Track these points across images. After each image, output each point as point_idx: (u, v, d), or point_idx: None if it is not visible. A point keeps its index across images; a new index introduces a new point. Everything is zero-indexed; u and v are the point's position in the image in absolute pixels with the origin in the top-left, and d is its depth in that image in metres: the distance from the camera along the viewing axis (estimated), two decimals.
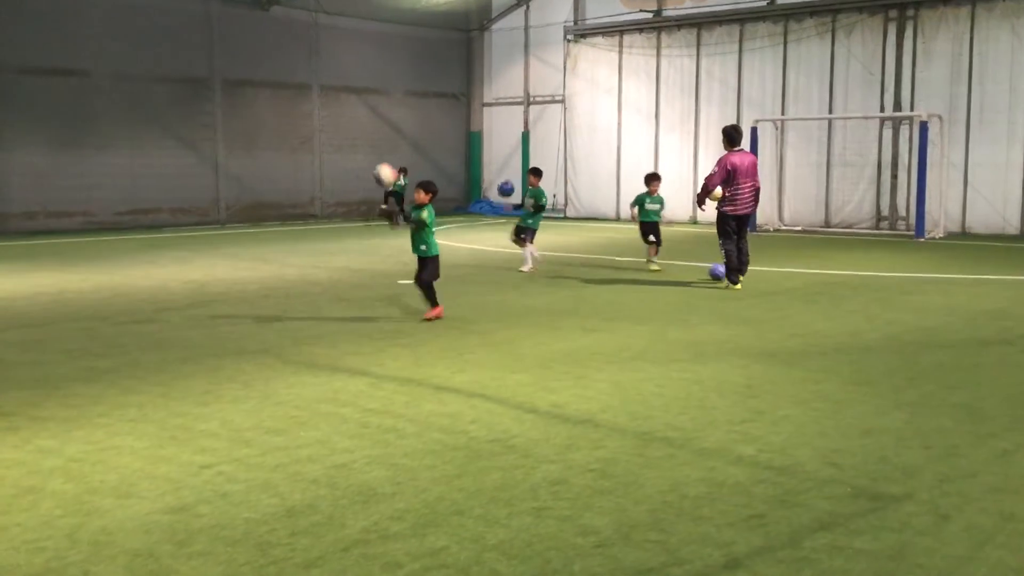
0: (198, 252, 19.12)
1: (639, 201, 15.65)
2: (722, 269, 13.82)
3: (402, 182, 24.91)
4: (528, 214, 15.55)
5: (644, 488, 5.23)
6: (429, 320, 10.67)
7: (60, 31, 24.04)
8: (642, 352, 9.02)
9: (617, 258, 17.74)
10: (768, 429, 6.38)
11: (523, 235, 15.64)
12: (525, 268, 15.47)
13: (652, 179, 15.68)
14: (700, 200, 13.79)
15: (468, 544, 4.48)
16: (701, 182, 14.04)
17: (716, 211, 13.67)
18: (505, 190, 15.72)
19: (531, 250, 15.62)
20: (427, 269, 10.82)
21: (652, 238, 15.64)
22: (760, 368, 8.29)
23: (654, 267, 15.62)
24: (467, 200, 33.25)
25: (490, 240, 21.50)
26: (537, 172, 16.05)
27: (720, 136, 13.85)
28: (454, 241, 21.30)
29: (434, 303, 10.85)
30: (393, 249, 19.58)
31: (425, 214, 10.72)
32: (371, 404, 7.05)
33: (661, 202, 15.68)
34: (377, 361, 8.59)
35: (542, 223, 16.41)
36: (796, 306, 11.95)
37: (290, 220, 28.63)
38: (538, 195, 15.49)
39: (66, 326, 10.67)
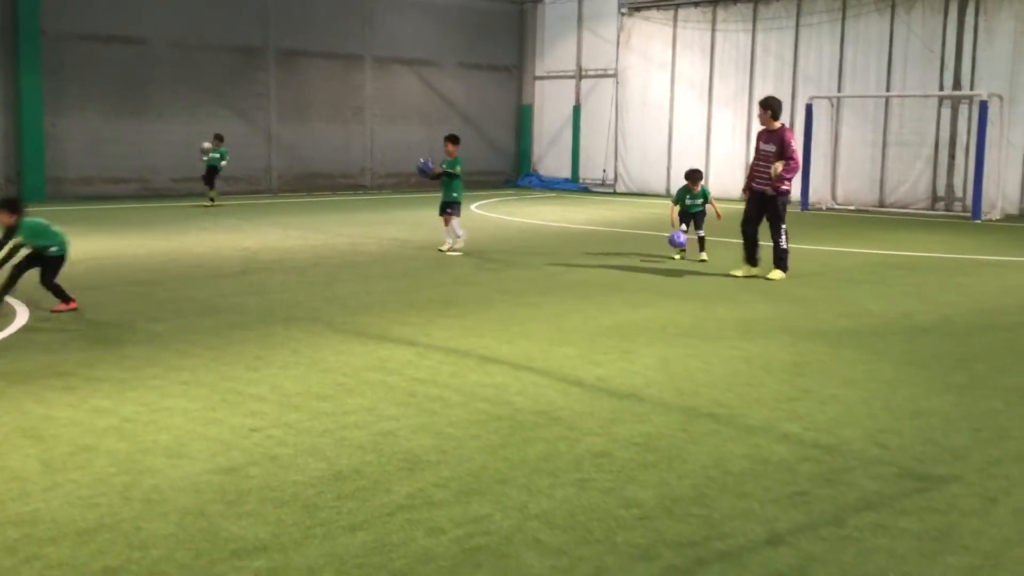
0: (250, 220, 19.33)
1: (680, 199, 14.19)
2: (683, 238, 13.67)
3: (217, 154, 22.04)
4: (449, 186, 14.44)
5: (688, 463, 5.24)
6: (58, 312, 9.44)
7: None
8: (689, 328, 8.99)
9: (666, 234, 17.61)
10: (815, 408, 6.35)
11: (449, 210, 14.51)
12: (445, 247, 14.56)
13: (694, 177, 14.05)
14: (785, 179, 12.14)
15: (511, 512, 4.52)
16: (758, 160, 12.80)
17: (776, 191, 12.21)
18: (424, 169, 14.58)
19: (455, 226, 14.53)
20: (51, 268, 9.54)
21: (685, 228, 14.14)
22: (809, 347, 8.23)
23: (704, 257, 13.97)
24: (516, 173, 33.20)
25: (539, 213, 21.47)
26: (455, 139, 14.61)
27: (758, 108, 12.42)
28: (503, 215, 21.31)
29: (65, 298, 9.58)
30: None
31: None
32: (418, 373, 7.11)
33: (705, 196, 14.14)
34: (424, 331, 8.65)
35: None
36: (847, 286, 11.82)
37: (340, 190, 28.80)
38: (452, 164, 14.43)
39: (121, 290, 10.88)
